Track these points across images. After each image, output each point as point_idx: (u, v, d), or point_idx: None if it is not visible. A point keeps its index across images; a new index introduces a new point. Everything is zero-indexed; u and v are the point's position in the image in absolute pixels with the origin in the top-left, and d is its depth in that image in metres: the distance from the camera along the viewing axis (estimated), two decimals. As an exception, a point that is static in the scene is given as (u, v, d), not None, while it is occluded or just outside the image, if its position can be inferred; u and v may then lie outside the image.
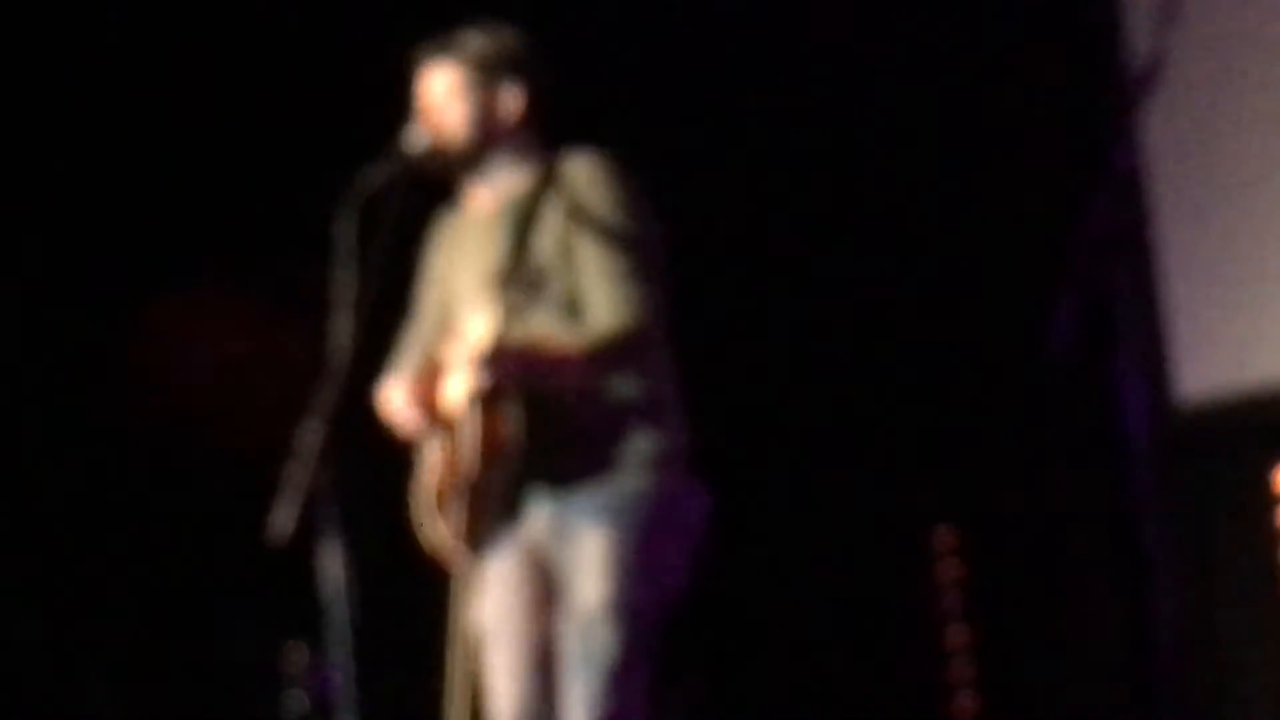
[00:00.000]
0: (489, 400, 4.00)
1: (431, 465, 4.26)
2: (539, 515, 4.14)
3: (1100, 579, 6.64)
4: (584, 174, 4.10)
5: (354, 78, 7.05)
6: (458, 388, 4.12)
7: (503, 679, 4.18)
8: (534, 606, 4.17)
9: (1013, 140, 6.73)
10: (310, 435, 3.79)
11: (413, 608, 6.97)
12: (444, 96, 4.19)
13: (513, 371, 3.95)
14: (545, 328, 4.07)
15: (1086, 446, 6.61)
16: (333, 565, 3.83)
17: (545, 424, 4.04)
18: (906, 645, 7.04)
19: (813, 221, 7.15)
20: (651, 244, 4.12)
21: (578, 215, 4.06)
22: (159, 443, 7.29)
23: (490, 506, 4.11)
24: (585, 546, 4.05)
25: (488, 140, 4.19)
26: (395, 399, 4.26)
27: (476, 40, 4.21)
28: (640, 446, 4.09)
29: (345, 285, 3.87)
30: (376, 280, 3.90)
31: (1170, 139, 6.37)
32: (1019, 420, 6.82)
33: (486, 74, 4.18)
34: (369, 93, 7.00)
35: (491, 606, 4.21)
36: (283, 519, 3.79)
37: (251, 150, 7.19)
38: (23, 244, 7.14)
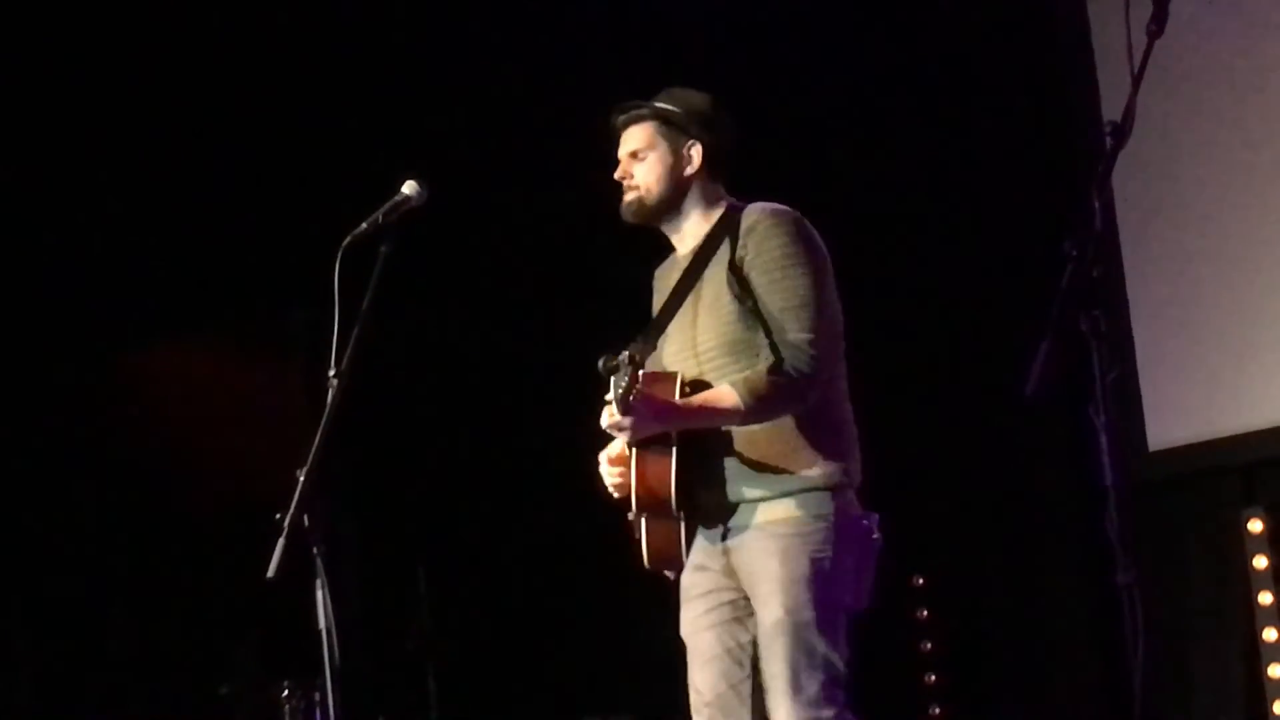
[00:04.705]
0: (643, 448, 4.26)
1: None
2: (720, 539, 4.39)
3: (1074, 618, 6.70)
4: (756, 226, 4.36)
5: (346, 127, 7.15)
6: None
7: (697, 684, 4.46)
8: (720, 618, 4.42)
9: (992, 196, 6.82)
10: (303, 479, 3.83)
11: (402, 645, 7.05)
12: (635, 153, 4.49)
13: (651, 428, 4.21)
14: (718, 369, 4.34)
15: (1061, 490, 6.68)
16: (323, 606, 3.86)
17: (707, 465, 4.31)
18: (884, 687, 7.08)
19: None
20: (821, 292, 4.35)
21: (750, 265, 4.33)
22: (155, 485, 7.34)
23: (666, 535, 4.38)
24: (761, 571, 4.31)
25: (675, 192, 4.48)
26: (603, 465, 4.48)
27: (663, 100, 4.50)
28: (811, 474, 4.32)
29: (338, 332, 3.93)
30: (369, 327, 3.96)
31: (1138, 199, 6.48)
32: (996, 464, 6.88)
33: (672, 132, 4.47)
34: (361, 142, 7.12)
35: (686, 618, 4.50)
36: (275, 561, 3.83)
37: (245, 198, 7.24)
38: (16, 293, 7.19)
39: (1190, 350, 6.53)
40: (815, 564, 4.28)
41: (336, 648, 3.86)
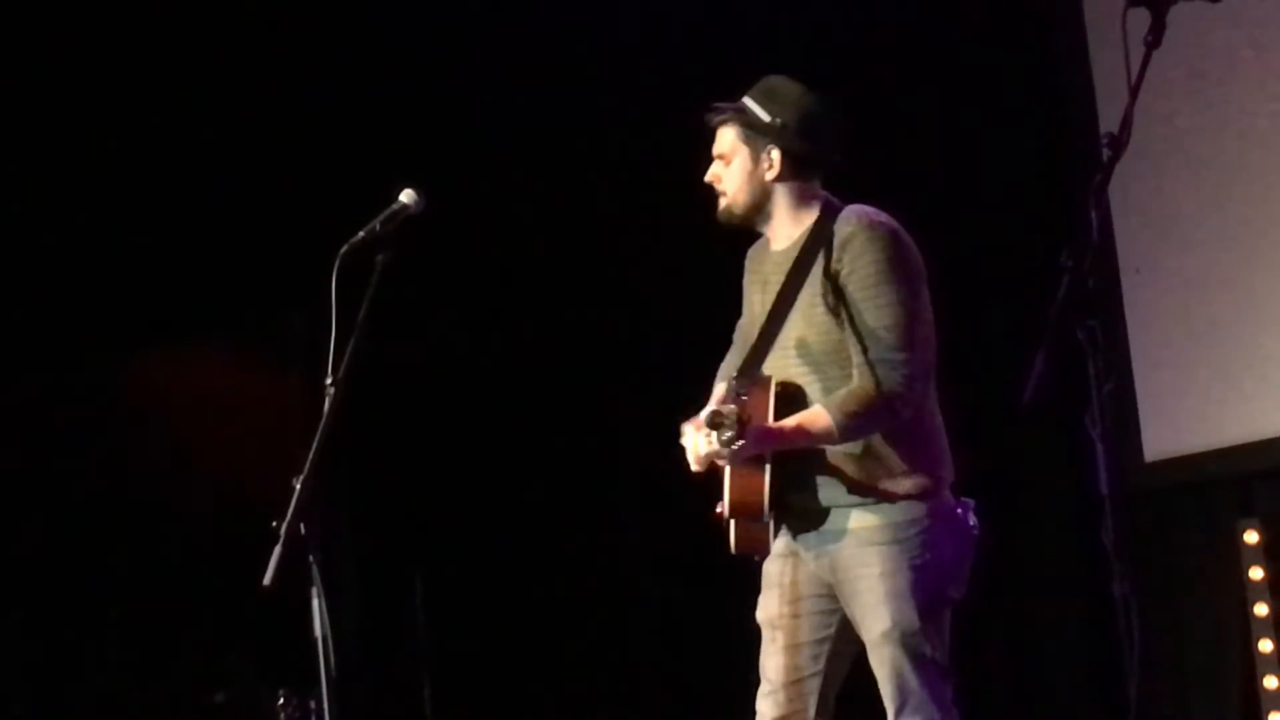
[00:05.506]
0: (737, 464, 4.29)
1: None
2: (812, 542, 4.44)
3: (1070, 628, 6.69)
4: (852, 239, 4.37)
5: (345, 133, 7.14)
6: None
7: (768, 670, 4.51)
8: (803, 609, 4.48)
9: (990, 206, 6.81)
10: (299, 487, 3.83)
11: (398, 653, 7.04)
12: (721, 157, 4.50)
13: (752, 452, 4.24)
14: (803, 381, 4.38)
15: (1057, 499, 6.68)
16: (319, 614, 3.87)
17: (799, 472, 4.36)
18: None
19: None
20: (915, 307, 4.36)
21: (845, 279, 4.35)
22: (152, 491, 7.33)
23: (755, 527, 4.43)
24: (861, 581, 4.36)
25: (760, 196, 4.49)
26: (687, 438, 4.49)
27: (755, 95, 4.49)
28: (905, 482, 4.37)
29: (335, 340, 3.93)
30: (367, 335, 3.96)
31: (1135, 210, 6.48)
32: (992, 474, 6.88)
33: (753, 136, 4.47)
34: (360, 148, 7.12)
35: (766, 603, 4.54)
36: (271, 569, 3.83)
37: (243, 205, 7.24)
38: (14, 297, 7.18)
39: (1187, 361, 6.53)
40: (916, 570, 4.34)
41: (332, 656, 3.87)
